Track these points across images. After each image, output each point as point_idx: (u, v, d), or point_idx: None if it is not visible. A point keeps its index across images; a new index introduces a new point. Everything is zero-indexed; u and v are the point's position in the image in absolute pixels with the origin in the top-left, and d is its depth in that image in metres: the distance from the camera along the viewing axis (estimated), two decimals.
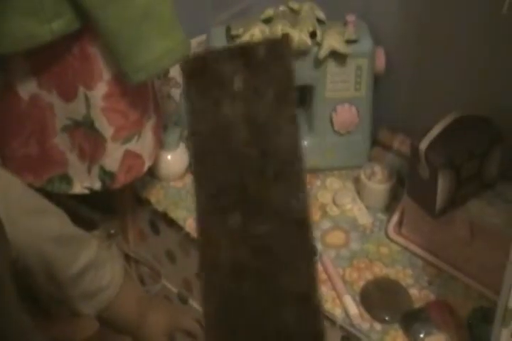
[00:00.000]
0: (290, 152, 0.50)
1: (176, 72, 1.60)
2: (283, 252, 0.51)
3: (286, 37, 0.50)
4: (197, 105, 0.50)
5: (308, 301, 0.51)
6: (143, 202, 1.61)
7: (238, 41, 1.47)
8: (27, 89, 1.34)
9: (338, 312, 1.36)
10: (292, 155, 0.50)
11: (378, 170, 1.53)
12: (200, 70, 0.50)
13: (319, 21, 1.50)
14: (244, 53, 0.49)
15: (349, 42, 1.49)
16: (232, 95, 0.49)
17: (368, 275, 1.42)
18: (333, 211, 1.55)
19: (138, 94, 1.37)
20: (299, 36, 1.46)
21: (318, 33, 1.47)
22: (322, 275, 1.41)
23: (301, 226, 0.51)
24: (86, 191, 1.43)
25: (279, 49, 0.50)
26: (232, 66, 0.49)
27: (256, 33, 1.46)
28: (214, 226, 0.51)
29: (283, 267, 0.51)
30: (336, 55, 1.49)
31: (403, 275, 1.42)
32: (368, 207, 1.55)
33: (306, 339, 0.52)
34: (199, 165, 0.51)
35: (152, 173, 1.58)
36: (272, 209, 0.50)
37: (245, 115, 0.49)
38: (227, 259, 0.51)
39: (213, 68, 0.49)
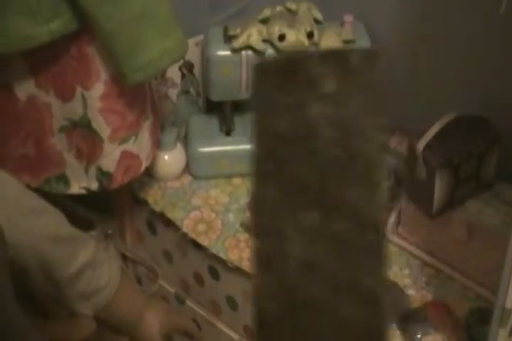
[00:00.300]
0: (373, 158, 0.50)
1: (173, 73, 1.60)
2: (356, 252, 0.51)
3: (382, 50, 0.50)
4: (277, 103, 0.50)
5: (376, 300, 0.52)
6: (140, 203, 1.61)
7: (235, 41, 1.47)
8: (24, 89, 1.34)
9: None
10: (376, 161, 0.50)
11: None
12: (288, 69, 0.50)
13: (316, 21, 1.50)
14: (338, 58, 0.49)
15: (346, 42, 1.49)
16: (321, 97, 0.49)
17: None
18: None
19: (135, 95, 1.37)
20: (297, 36, 1.46)
21: (316, 33, 1.47)
22: None
23: (374, 229, 0.51)
24: (83, 191, 1.43)
25: (373, 57, 0.50)
26: (323, 69, 0.49)
27: (253, 33, 1.46)
28: (287, 223, 0.51)
29: (354, 266, 0.51)
30: None
31: (400, 275, 1.42)
32: None
33: (368, 338, 0.52)
34: (270, 161, 0.51)
35: (149, 174, 1.58)
36: (349, 209, 0.51)
37: (332, 117, 0.49)
38: (299, 257, 0.51)
39: (303, 69, 0.49)
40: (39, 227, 1.06)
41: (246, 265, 1.45)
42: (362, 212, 0.51)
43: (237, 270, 1.47)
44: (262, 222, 0.53)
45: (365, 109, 0.50)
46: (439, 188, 1.32)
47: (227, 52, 1.49)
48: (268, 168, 0.51)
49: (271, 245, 0.52)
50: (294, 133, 0.50)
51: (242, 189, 1.59)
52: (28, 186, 1.21)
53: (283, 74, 0.50)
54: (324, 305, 0.51)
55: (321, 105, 0.49)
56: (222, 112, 1.62)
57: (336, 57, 0.49)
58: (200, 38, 1.58)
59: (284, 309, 0.52)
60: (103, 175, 1.40)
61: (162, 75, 1.58)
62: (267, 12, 1.49)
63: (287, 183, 0.51)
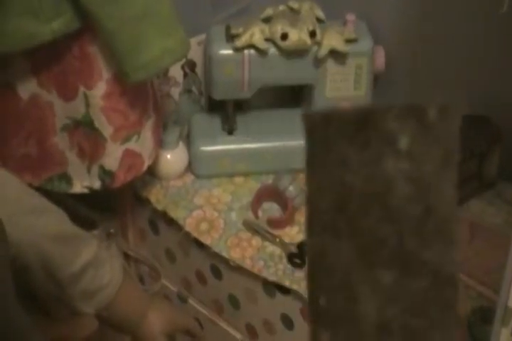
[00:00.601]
0: (449, 213, 0.50)
1: (175, 72, 1.60)
2: (433, 310, 0.51)
3: (460, 105, 0.50)
4: (350, 158, 0.49)
5: None
6: (142, 202, 1.61)
7: (237, 40, 1.47)
8: (27, 88, 1.34)
9: None
10: (450, 217, 0.50)
11: None
12: (359, 123, 0.49)
13: (319, 20, 1.50)
14: (415, 114, 0.49)
15: (349, 41, 1.49)
16: (397, 152, 0.49)
17: None
18: None
19: (137, 94, 1.37)
20: (299, 35, 1.46)
21: (318, 32, 1.47)
22: None
23: (451, 285, 0.51)
24: (85, 190, 1.43)
25: (450, 112, 0.50)
26: (399, 125, 0.49)
27: (255, 32, 1.46)
28: (362, 280, 0.50)
29: (431, 325, 0.51)
30: (336, 54, 1.49)
31: None
32: None
33: None
34: (341, 216, 0.50)
35: (152, 172, 1.58)
36: (426, 266, 0.50)
37: (408, 172, 0.49)
38: (373, 316, 0.50)
39: (377, 123, 0.49)
40: (41, 226, 1.06)
41: (248, 264, 1.45)
42: (439, 269, 0.50)
43: (239, 269, 1.47)
44: (331, 277, 0.51)
45: (441, 163, 0.50)
46: None
47: (230, 51, 1.49)
48: (339, 223, 0.50)
49: (341, 303, 0.51)
50: (368, 187, 0.49)
51: (244, 188, 1.59)
52: (30, 185, 1.22)
53: (354, 128, 0.49)
54: None
55: (397, 160, 0.49)
56: (225, 111, 1.62)
57: (413, 114, 0.49)
58: (203, 36, 1.58)
59: None
60: (105, 174, 1.41)
61: (164, 74, 1.59)
62: (269, 11, 1.49)
63: (361, 239, 0.50)
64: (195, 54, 1.60)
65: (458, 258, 0.51)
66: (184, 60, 1.58)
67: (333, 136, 0.50)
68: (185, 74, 1.63)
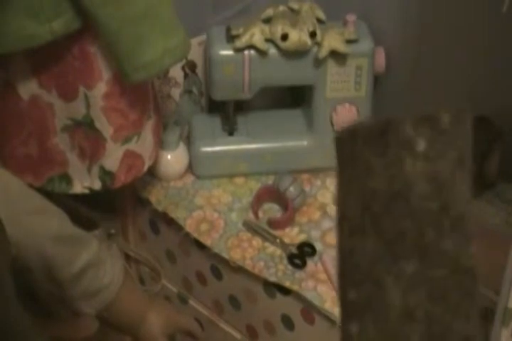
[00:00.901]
0: (464, 208, 0.55)
1: (176, 72, 1.60)
2: (453, 298, 0.55)
3: (469, 110, 0.56)
4: (372, 164, 0.55)
5: None
6: (143, 202, 1.61)
7: (238, 41, 1.47)
8: (27, 88, 1.34)
9: (338, 313, 1.35)
10: (465, 212, 0.55)
11: None
12: (379, 133, 0.55)
13: (319, 21, 1.50)
14: (429, 121, 0.54)
15: (349, 42, 1.49)
16: (415, 156, 0.54)
17: None
18: (334, 211, 1.54)
19: (138, 94, 1.37)
20: (299, 36, 1.46)
21: (318, 32, 1.47)
22: (322, 276, 1.41)
23: (470, 276, 0.56)
24: (86, 191, 1.43)
25: (462, 117, 0.55)
26: (415, 132, 0.54)
27: (256, 32, 1.46)
28: (387, 272, 0.55)
29: (453, 312, 0.55)
30: (336, 55, 1.49)
31: None
32: None
33: None
34: (366, 217, 0.56)
35: (152, 173, 1.58)
36: (445, 257, 0.55)
37: (427, 173, 0.54)
38: (399, 304, 0.55)
39: (395, 132, 0.55)
40: (42, 227, 1.06)
41: (248, 264, 1.45)
42: (456, 259, 0.55)
43: (239, 269, 1.47)
44: (359, 272, 0.56)
45: (455, 164, 0.55)
46: None
47: (230, 52, 1.49)
48: (365, 223, 0.56)
49: (369, 294, 0.56)
50: (390, 188, 0.55)
51: (244, 188, 1.59)
52: (31, 186, 1.22)
53: (376, 137, 0.55)
54: None
55: (415, 163, 0.54)
56: (225, 112, 1.62)
57: (428, 121, 0.54)
58: (203, 37, 1.58)
59: None
60: (106, 174, 1.41)
61: (165, 75, 1.59)
62: (269, 11, 1.49)
63: (385, 235, 0.55)
64: (196, 54, 1.60)
65: (473, 252, 0.55)
66: (184, 61, 1.58)
67: (359, 148, 0.56)
68: (186, 75, 1.63)
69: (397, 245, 0.55)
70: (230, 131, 1.61)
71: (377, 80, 1.56)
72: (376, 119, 0.56)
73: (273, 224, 1.50)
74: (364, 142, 0.56)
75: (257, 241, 1.48)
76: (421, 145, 0.54)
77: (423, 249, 0.55)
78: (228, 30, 1.50)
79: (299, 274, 1.42)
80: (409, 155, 0.54)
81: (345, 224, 0.58)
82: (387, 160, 0.55)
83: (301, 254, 1.44)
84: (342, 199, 0.58)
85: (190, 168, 1.62)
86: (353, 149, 0.56)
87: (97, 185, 1.42)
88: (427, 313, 0.54)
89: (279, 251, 1.46)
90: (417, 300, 0.55)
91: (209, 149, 1.60)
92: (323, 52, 1.47)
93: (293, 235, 1.49)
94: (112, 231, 1.66)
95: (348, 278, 0.58)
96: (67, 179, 1.42)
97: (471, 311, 0.56)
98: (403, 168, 0.54)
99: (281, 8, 1.50)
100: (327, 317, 1.36)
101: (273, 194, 1.54)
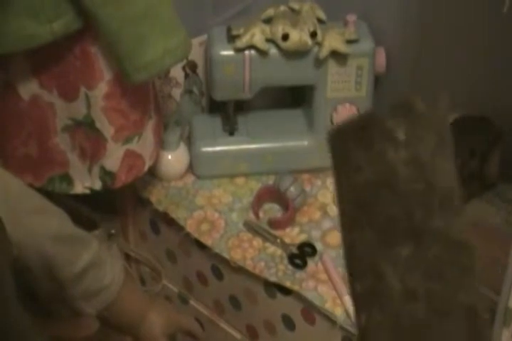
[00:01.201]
0: (449, 185, 0.57)
1: (176, 72, 1.61)
2: (451, 274, 0.57)
3: (443, 95, 0.59)
4: (359, 158, 0.57)
5: (477, 316, 0.57)
6: (143, 202, 1.61)
7: (238, 41, 1.47)
8: (28, 88, 1.34)
9: (338, 313, 1.36)
10: (451, 188, 0.57)
11: None
12: (362, 129, 0.58)
13: (320, 21, 1.50)
14: (404, 108, 0.57)
15: (350, 42, 1.49)
16: (396, 144, 0.56)
17: None
18: (334, 211, 1.54)
19: (139, 94, 1.37)
20: (300, 36, 1.46)
21: (319, 32, 1.47)
22: (323, 276, 1.41)
23: (465, 250, 0.57)
24: (87, 191, 1.43)
25: (436, 101, 0.58)
26: (393, 121, 0.57)
27: (256, 32, 1.46)
28: (384, 258, 0.57)
29: (453, 287, 0.57)
30: (337, 55, 1.49)
31: None
32: None
33: None
34: (360, 210, 0.58)
35: (153, 173, 1.58)
36: (438, 234, 0.57)
37: (408, 158, 0.56)
38: (400, 287, 0.57)
39: (376, 125, 0.57)
40: (42, 227, 1.06)
41: (249, 264, 1.45)
42: (448, 235, 0.57)
43: (240, 269, 1.47)
44: (360, 265, 0.59)
45: (435, 145, 0.57)
46: None
47: (231, 52, 1.49)
48: (360, 217, 0.58)
49: (372, 283, 0.58)
50: (377, 179, 0.57)
51: (245, 188, 1.59)
52: (31, 186, 1.22)
53: (360, 133, 0.58)
54: (427, 326, 0.57)
55: (397, 150, 0.56)
56: (226, 112, 1.62)
57: (403, 109, 0.57)
58: (204, 37, 1.58)
59: (391, 337, 0.58)
60: (106, 174, 1.41)
61: (165, 75, 1.59)
62: (270, 12, 1.49)
63: (378, 224, 0.57)
64: (197, 55, 1.60)
65: (464, 226, 0.57)
66: (185, 61, 1.58)
67: (348, 144, 0.58)
68: (187, 75, 1.63)
69: (390, 232, 0.57)
70: (231, 131, 1.61)
71: (377, 80, 1.56)
72: (360, 115, 0.59)
73: (273, 224, 1.50)
74: (351, 138, 0.58)
75: (257, 241, 1.48)
76: (400, 134, 0.56)
77: (415, 231, 0.56)
78: (229, 30, 1.50)
79: (299, 274, 1.42)
80: (391, 145, 0.56)
81: (344, 219, 0.59)
82: (373, 153, 0.57)
83: (302, 254, 1.45)
84: (339, 196, 0.59)
85: (190, 168, 1.63)
86: (343, 146, 0.58)
87: (98, 185, 1.42)
88: (428, 291, 0.56)
89: (279, 251, 1.46)
90: (416, 280, 0.56)
91: (209, 149, 1.60)
92: (324, 52, 1.47)
93: (293, 235, 1.49)
94: (113, 231, 1.66)
95: (353, 272, 0.59)
96: (67, 179, 1.42)
97: (470, 283, 0.57)
98: (387, 158, 0.56)
99: (282, 8, 1.50)
100: (328, 318, 1.36)
101: (273, 194, 1.54)
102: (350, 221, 0.59)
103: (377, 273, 0.57)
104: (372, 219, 0.57)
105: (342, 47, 1.47)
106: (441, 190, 0.56)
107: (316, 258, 1.45)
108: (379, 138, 0.57)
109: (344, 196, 0.59)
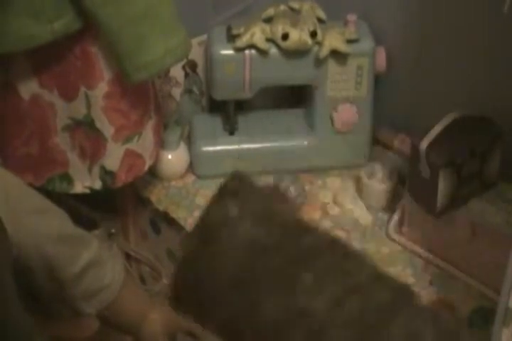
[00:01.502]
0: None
1: (176, 72, 1.61)
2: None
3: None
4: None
5: None
6: (144, 202, 1.61)
7: (238, 40, 1.47)
8: (28, 88, 1.34)
9: None
10: None
11: (379, 169, 1.53)
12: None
13: (320, 21, 1.50)
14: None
15: (350, 41, 1.49)
16: None
17: None
18: (334, 210, 1.55)
19: (139, 94, 1.37)
20: (300, 35, 1.46)
21: (319, 32, 1.47)
22: None
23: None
24: (87, 190, 1.43)
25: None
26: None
27: (256, 32, 1.46)
28: None
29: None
30: (337, 55, 1.49)
31: (404, 274, 1.42)
32: (368, 207, 1.55)
33: None
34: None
35: (153, 173, 1.58)
36: None
37: None
38: None
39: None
40: (43, 227, 1.06)
41: None
42: None
43: None
44: None
45: None
46: (443, 187, 1.32)
47: (231, 52, 1.49)
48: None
49: None
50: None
51: None
52: (32, 185, 1.22)
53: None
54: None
55: None
56: (226, 111, 1.62)
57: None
58: (204, 37, 1.58)
59: None
60: (106, 174, 1.41)
61: (165, 74, 1.59)
62: (270, 11, 1.49)
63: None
64: (197, 54, 1.60)
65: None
66: (185, 60, 1.58)
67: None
68: (187, 75, 1.63)
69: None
70: (231, 130, 1.61)
71: (377, 80, 1.56)
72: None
73: None
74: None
75: None
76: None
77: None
78: (229, 29, 1.50)
79: None
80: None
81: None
82: None
83: None
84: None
85: (190, 168, 1.63)
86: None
87: (98, 185, 1.42)
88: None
89: None
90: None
91: (210, 149, 1.60)
92: (324, 51, 1.47)
93: None
94: (113, 230, 1.66)
95: None
96: (67, 179, 1.42)
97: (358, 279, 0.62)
98: None
99: (282, 7, 1.50)
100: None
101: None
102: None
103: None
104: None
105: (342, 47, 1.47)
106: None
107: None
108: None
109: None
